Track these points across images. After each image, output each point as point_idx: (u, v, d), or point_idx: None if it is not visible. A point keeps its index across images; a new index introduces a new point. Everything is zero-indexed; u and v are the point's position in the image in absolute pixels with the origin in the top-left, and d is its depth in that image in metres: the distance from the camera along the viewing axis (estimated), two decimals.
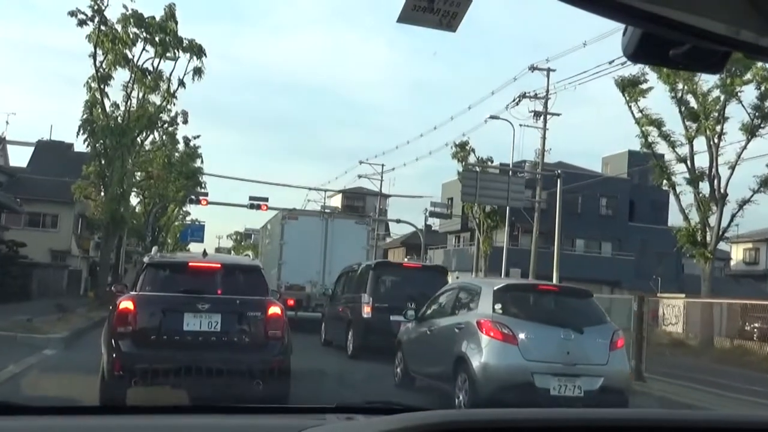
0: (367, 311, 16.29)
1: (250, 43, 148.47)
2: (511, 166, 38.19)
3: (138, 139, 28.82)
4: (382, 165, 59.27)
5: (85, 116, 25.77)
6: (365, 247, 23.53)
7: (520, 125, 41.05)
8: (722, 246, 39.08)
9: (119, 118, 26.96)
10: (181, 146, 48.49)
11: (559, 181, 34.71)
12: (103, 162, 26.89)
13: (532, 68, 39.54)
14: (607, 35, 25.15)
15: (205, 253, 10.36)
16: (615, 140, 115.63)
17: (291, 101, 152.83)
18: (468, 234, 56.28)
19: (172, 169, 46.07)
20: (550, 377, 9.18)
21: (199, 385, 8.27)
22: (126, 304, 8.85)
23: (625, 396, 9.68)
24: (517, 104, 41.71)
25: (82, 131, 26.38)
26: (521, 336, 9.37)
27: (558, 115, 41.45)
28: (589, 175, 50.09)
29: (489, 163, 42.27)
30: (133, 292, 9.17)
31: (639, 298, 15.12)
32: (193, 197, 46.42)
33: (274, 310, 9.15)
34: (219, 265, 9.83)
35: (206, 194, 48.21)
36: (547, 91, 39.69)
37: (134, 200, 44.21)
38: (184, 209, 64.07)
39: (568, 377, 9.21)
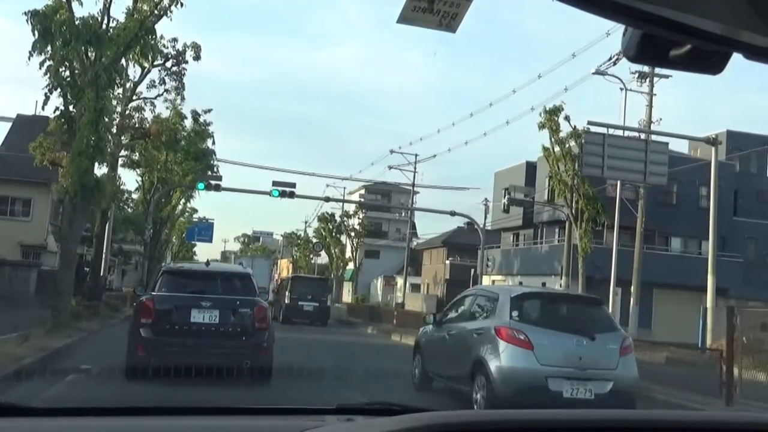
0: (287, 300, 32.57)
1: (272, 49, 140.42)
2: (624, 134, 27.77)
3: (126, 64, 18.13)
4: (416, 155, 49.49)
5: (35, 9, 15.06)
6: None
7: (621, 89, 30.81)
8: None
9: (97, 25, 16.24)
10: (189, 122, 39.03)
11: (714, 150, 24.14)
12: (68, 95, 16.26)
13: None
14: None
15: (208, 263, 12.83)
16: (704, 120, 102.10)
17: (317, 107, 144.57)
18: (531, 231, 45.62)
19: (178, 147, 36.57)
20: (563, 381, 9.39)
21: (201, 363, 9.22)
22: (147, 301, 10.90)
23: (633, 399, 9.67)
24: (615, 63, 31.66)
25: (36, 47, 15.81)
26: (537, 342, 9.55)
27: (667, 77, 31.50)
28: (685, 158, 39.48)
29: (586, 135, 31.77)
30: (152, 293, 11.14)
31: (729, 309, 13.17)
32: (204, 182, 36.68)
33: (261, 307, 11.10)
34: (218, 272, 12.14)
35: (220, 177, 38.43)
36: None
37: (130, 181, 33.75)
38: (190, 206, 54.23)
39: (580, 381, 9.43)
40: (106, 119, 15.91)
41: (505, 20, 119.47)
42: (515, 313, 9.91)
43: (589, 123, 23.41)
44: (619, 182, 28.86)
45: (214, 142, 40.89)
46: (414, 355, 12.57)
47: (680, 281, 37.89)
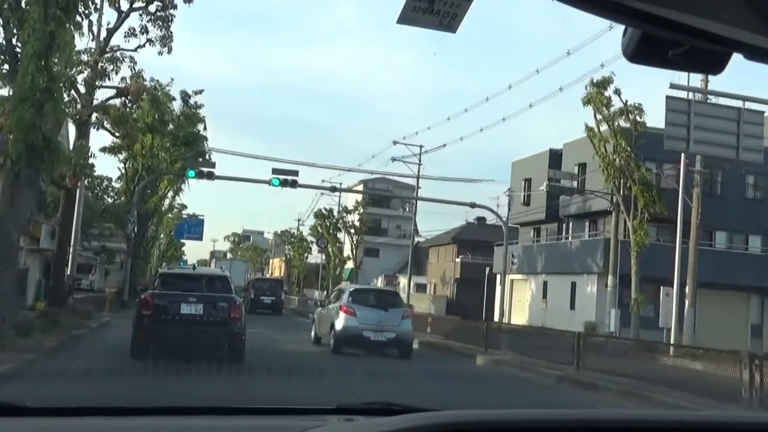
0: (252, 295, 42.23)
1: (267, 50, 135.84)
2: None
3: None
4: (420, 146, 44.94)
5: None
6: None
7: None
8: None
9: None
10: (178, 104, 34.27)
11: None
12: (11, 23, 11.45)
13: None
14: None
15: (194, 267, 19.45)
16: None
17: (313, 109, 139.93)
18: (555, 225, 40.96)
19: (165, 130, 31.94)
20: (370, 332, 18.01)
21: (189, 346, 13.06)
22: (147, 297, 14.06)
23: (408, 343, 18.74)
24: None
25: None
26: (359, 313, 18.31)
27: None
28: None
29: (638, 112, 27.18)
30: (151, 291, 14.35)
31: None
32: (194, 170, 32.13)
33: (236, 302, 14.29)
34: (202, 275, 15.75)
35: (213, 164, 33.83)
36: None
37: (112, 169, 28.76)
38: (179, 200, 49.15)
39: (379, 332, 18.08)
40: (60, 52, 11.02)
41: (503, 20, 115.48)
42: (350, 299, 18.93)
43: (672, 86, 18.72)
44: (682, 166, 24.36)
45: (205, 127, 36.33)
46: (312, 325, 21.63)
47: (726, 280, 33.56)
